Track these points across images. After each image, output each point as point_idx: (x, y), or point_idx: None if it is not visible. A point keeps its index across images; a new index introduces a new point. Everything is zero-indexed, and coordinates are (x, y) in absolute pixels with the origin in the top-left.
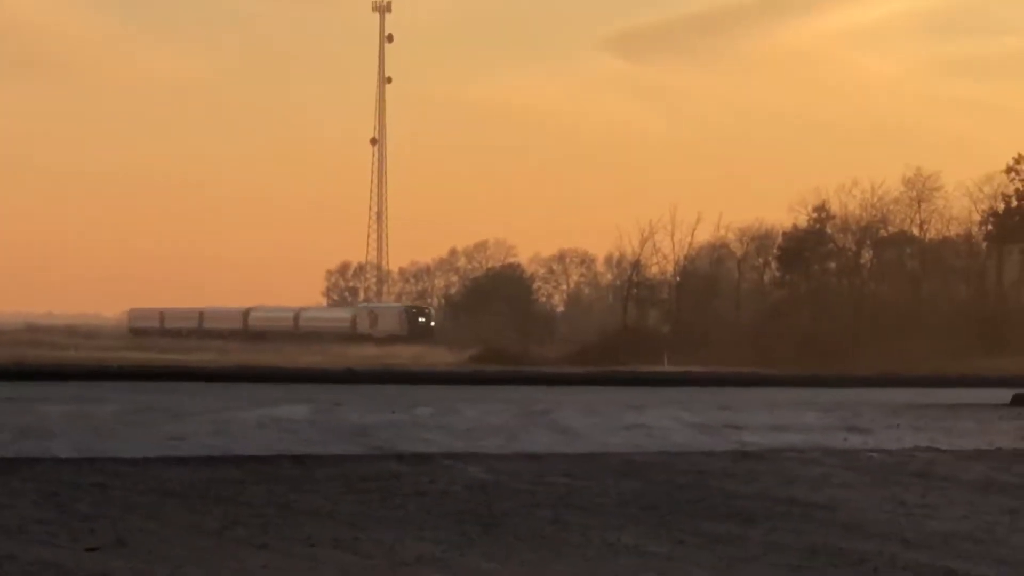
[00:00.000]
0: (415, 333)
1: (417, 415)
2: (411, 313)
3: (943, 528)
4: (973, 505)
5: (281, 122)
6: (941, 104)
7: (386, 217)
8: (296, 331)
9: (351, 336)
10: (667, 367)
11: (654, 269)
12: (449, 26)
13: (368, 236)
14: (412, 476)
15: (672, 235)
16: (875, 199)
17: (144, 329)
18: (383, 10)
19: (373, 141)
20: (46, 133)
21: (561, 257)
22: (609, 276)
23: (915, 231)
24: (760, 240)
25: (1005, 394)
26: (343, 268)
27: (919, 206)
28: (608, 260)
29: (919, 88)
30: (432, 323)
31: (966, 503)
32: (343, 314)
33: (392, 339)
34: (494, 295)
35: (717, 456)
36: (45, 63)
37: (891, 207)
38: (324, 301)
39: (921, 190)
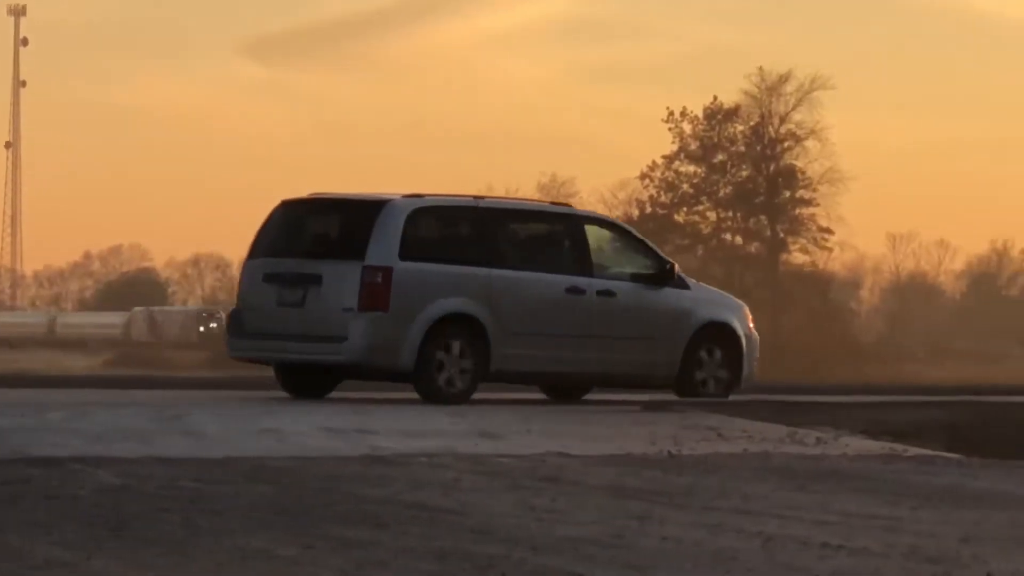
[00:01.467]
0: (207, 340)
1: (48, 419)
2: (203, 318)
3: (572, 533)
4: (602, 510)
5: None
6: (575, 110)
7: (20, 221)
8: (52, 338)
9: (124, 344)
10: None
11: None
12: (86, 30)
13: (2, 240)
14: (42, 480)
15: None
16: None
17: None
18: (18, 13)
19: (7, 145)
20: None
21: (196, 262)
22: None
23: None
24: None
25: (637, 399)
26: None
27: None
28: (242, 265)
29: (555, 94)
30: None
31: (595, 508)
32: (113, 319)
33: (180, 348)
34: (128, 299)
35: (349, 461)
36: None
37: None
38: None
39: (556, 196)
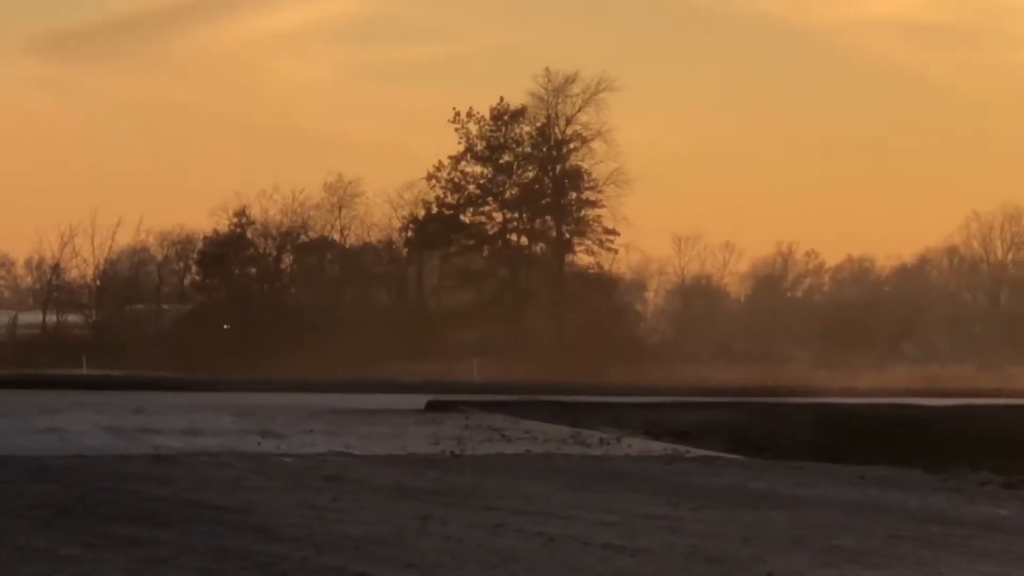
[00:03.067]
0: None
1: None
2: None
3: (355, 532)
4: (385, 510)
5: None
6: (361, 111)
7: None
8: None
9: None
10: (86, 371)
11: (74, 272)
12: None
13: None
14: None
15: (92, 238)
16: (296, 205)
17: None
18: None
19: None
20: None
21: None
22: (29, 279)
23: (336, 237)
24: (182, 244)
25: (421, 400)
26: None
27: (340, 212)
28: (28, 263)
29: (339, 94)
30: None
31: (378, 508)
32: None
33: None
34: None
35: (131, 460)
36: None
37: (312, 213)
38: None
39: (342, 196)
